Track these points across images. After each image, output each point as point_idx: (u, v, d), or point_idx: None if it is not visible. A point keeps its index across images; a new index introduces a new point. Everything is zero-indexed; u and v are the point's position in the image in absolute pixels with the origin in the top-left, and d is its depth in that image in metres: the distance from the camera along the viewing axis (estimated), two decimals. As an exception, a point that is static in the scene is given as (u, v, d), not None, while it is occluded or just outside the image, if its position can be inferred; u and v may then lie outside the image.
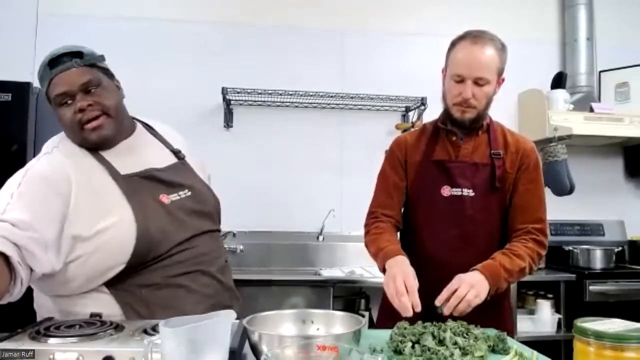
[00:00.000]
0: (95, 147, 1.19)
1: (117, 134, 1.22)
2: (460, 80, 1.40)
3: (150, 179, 1.22)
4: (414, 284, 1.25)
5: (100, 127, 1.16)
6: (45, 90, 1.17)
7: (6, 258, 0.96)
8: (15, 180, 1.10)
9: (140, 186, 1.19)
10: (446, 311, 1.24)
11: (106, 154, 1.21)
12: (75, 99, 1.13)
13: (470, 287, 1.25)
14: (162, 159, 1.30)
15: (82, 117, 1.13)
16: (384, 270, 1.37)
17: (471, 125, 1.47)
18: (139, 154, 1.26)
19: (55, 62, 1.14)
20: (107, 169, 1.17)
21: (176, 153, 1.36)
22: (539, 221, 1.47)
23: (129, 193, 1.15)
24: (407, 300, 1.21)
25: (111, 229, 1.11)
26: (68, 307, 1.15)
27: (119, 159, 1.21)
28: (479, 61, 1.38)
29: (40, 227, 1.03)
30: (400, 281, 1.25)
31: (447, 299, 1.25)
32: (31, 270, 1.02)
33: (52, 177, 1.11)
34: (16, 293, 1.00)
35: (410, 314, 1.19)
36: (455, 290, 1.25)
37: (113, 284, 1.14)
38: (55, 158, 1.17)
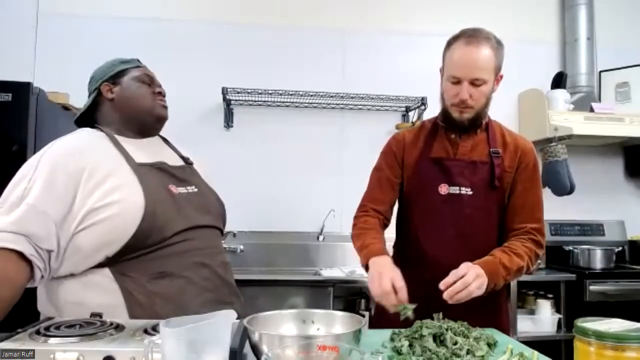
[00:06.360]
0: (149, 122, 1.38)
1: (161, 127, 1.44)
2: (457, 81, 1.40)
3: (162, 170, 1.32)
4: (402, 283, 1.27)
5: (167, 108, 1.43)
6: (122, 68, 1.38)
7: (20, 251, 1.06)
8: (31, 163, 1.18)
9: (152, 174, 1.28)
10: (446, 295, 1.22)
11: (126, 145, 1.30)
12: (155, 85, 1.41)
13: (476, 277, 1.24)
14: (173, 160, 1.41)
15: (159, 96, 1.41)
16: (366, 267, 1.38)
17: (470, 125, 1.47)
18: (154, 152, 1.37)
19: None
20: (124, 155, 1.27)
21: (185, 159, 1.47)
22: (537, 221, 1.46)
23: (141, 177, 1.23)
24: (393, 299, 1.24)
25: (120, 202, 1.16)
26: (68, 295, 1.17)
27: (136, 151, 1.30)
28: (474, 62, 1.37)
29: (52, 209, 1.11)
30: (387, 279, 1.26)
31: (452, 283, 1.23)
32: (49, 251, 1.11)
33: (65, 160, 1.18)
34: (38, 279, 1.12)
35: (392, 311, 1.24)
36: (463, 276, 1.23)
37: (116, 268, 1.16)
38: (71, 142, 1.25)
